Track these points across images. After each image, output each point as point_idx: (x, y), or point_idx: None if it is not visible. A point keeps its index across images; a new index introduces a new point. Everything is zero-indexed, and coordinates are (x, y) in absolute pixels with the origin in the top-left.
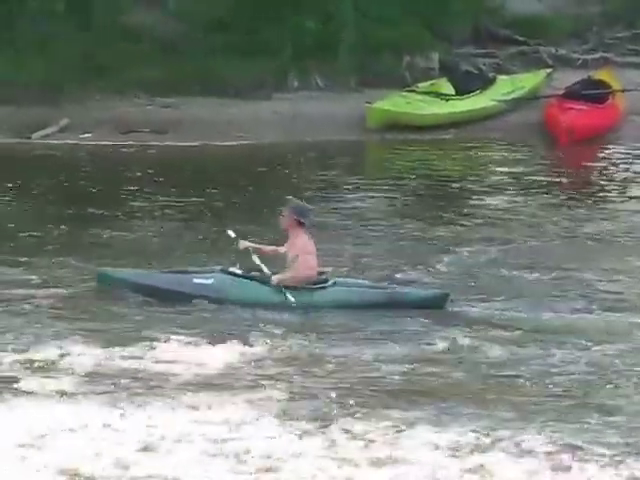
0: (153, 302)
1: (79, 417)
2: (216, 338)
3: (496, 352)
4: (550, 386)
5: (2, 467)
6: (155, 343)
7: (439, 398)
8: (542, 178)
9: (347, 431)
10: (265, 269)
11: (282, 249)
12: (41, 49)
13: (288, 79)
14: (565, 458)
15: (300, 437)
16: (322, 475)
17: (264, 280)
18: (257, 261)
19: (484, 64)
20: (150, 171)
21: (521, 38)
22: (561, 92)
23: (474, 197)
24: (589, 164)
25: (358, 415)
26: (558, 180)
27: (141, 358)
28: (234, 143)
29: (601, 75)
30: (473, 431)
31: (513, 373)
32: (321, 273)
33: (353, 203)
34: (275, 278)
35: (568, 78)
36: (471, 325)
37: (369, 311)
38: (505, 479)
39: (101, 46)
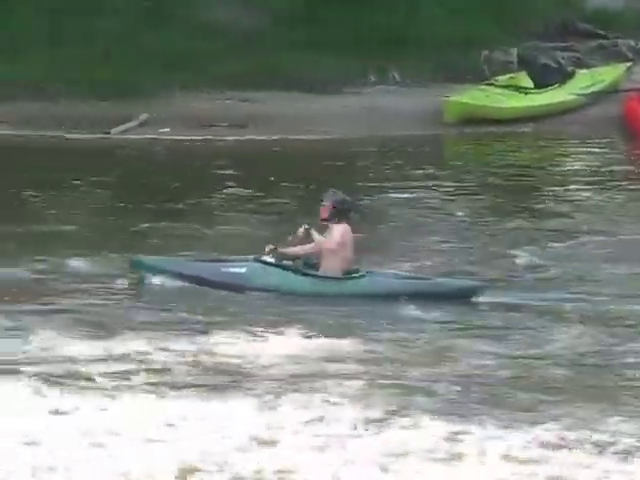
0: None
1: (184, 410)
2: (291, 329)
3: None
4: None
5: (126, 461)
6: (231, 335)
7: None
8: (622, 172)
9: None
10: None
11: (309, 247)
12: (120, 44)
13: (366, 74)
14: None
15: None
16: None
17: (297, 269)
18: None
19: (563, 58)
20: (229, 165)
21: (600, 32)
22: None
23: (553, 190)
24: None
25: (471, 410)
26: (638, 174)
27: (233, 349)
28: (312, 137)
29: None
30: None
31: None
32: (352, 265)
33: (430, 197)
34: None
35: None
36: (563, 317)
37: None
38: None
39: (180, 41)
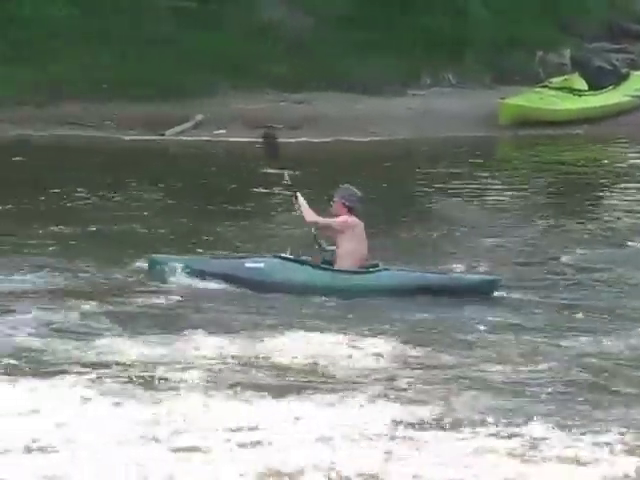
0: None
1: (262, 412)
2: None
3: None
4: None
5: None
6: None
7: None
8: None
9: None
10: (324, 244)
11: (321, 220)
12: (175, 46)
13: (420, 76)
14: None
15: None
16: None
17: (315, 264)
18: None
19: (617, 59)
20: (282, 166)
21: None
22: None
23: (606, 192)
24: None
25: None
26: None
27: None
28: (366, 139)
29: None
30: None
31: None
32: (368, 259)
33: (485, 198)
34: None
35: None
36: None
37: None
38: None
39: (235, 42)
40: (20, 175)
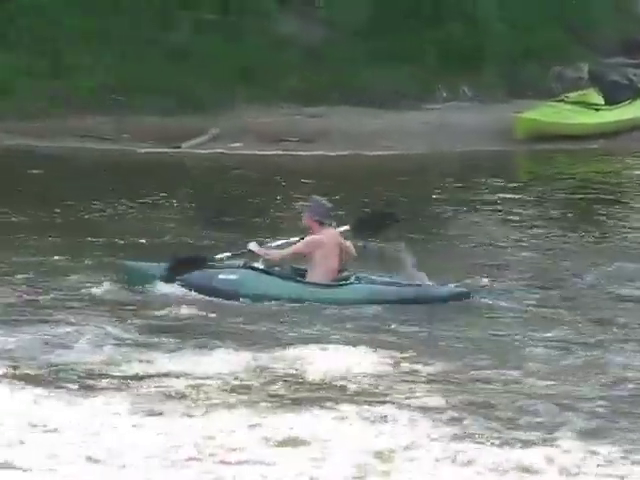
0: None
1: (302, 424)
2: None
3: None
4: None
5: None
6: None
7: None
8: None
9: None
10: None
11: (295, 248)
12: (191, 59)
13: (436, 89)
14: None
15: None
16: None
17: (287, 276)
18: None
19: (634, 74)
20: (299, 180)
21: None
22: None
23: (622, 207)
24: None
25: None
26: None
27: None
28: (382, 153)
29: None
30: None
31: None
32: (341, 271)
33: (501, 212)
34: (252, 245)
35: None
36: None
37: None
38: None
39: (250, 55)
40: (35, 187)
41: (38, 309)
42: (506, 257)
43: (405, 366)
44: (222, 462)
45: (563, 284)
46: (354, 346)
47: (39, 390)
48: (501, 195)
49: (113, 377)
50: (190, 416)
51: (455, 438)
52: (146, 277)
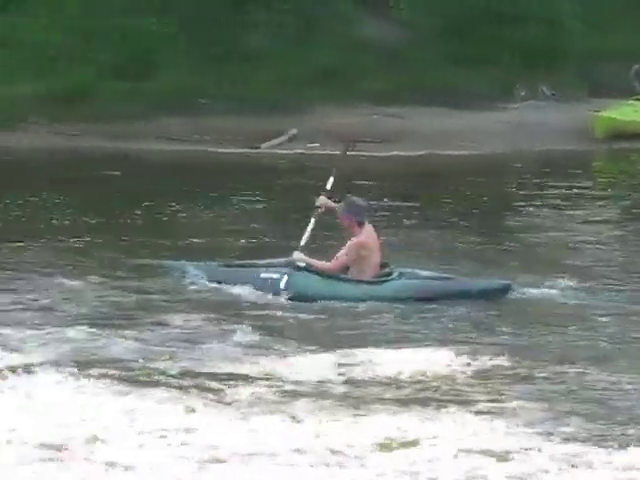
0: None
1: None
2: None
3: None
4: None
5: None
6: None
7: None
8: None
9: None
10: (302, 242)
11: (334, 267)
12: (270, 61)
13: (514, 89)
14: None
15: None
16: None
17: (330, 274)
18: (308, 229)
19: None
20: (376, 180)
21: None
22: None
23: None
24: None
25: None
26: None
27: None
28: (460, 153)
29: None
30: None
31: None
32: (384, 266)
33: (580, 211)
34: (297, 255)
35: None
36: None
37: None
38: None
39: (327, 57)
40: (113, 188)
41: (127, 311)
42: (587, 256)
43: (492, 364)
44: (325, 465)
45: (629, 284)
46: (433, 345)
47: (148, 394)
48: (580, 194)
49: (208, 378)
50: (294, 419)
51: (563, 438)
52: (191, 276)
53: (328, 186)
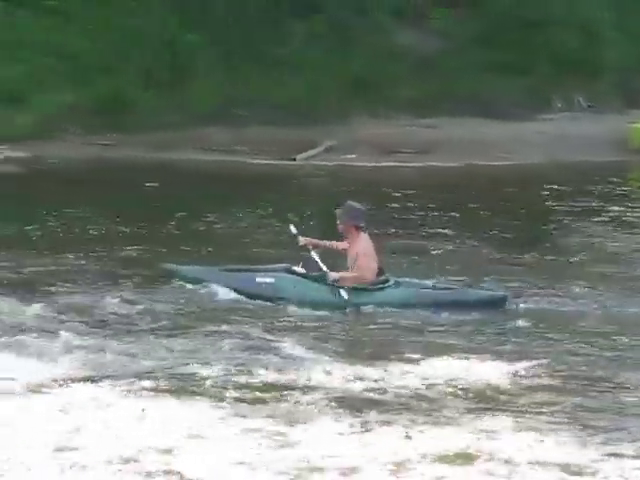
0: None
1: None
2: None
3: None
4: None
5: None
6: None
7: None
8: None
9: None
10: (324, 267)
11: (342, 244)
12: (303, 71)
13: (551, 99)
14: None
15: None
16: None
17: (325, 281)
18: (316, 258)
19: None
20: (415, 191)
21: None
22: None
23: None
24: None
25: None
26: None
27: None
28: (497, 163)
29: None
30: None
31: None
32: (381, 273)
33: (617, 222)
34: (332, 275)
35: None
36: None
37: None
38: None
39: (362, 67)
40: (151, 199)
41: (165, 320)
42: (626, 266)
43: (538, 374)
44: (396, 476)
45: None
46: (477, 355)
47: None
48: (617, 204)
49: (249, 387)
50: (363, 427)
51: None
52: (197, 280)
53: (293, 231)
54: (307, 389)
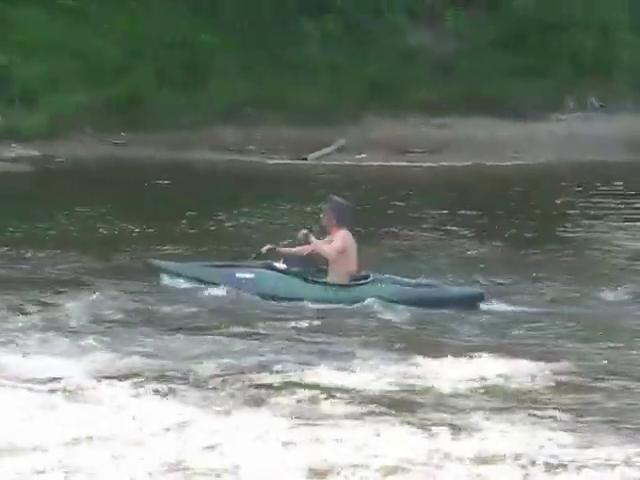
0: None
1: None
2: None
3: None
4: None
5: None
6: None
7: None
8: None
9: None
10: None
11: (308, 248)
12: (318, 72)
13: (564, 100)
14: None
15: None
16: None
17: (305, 277)
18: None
19: None
20: (426, 190)
21: None
22: None
23: None
24: None
25: None
26: None
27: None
28: (508, 163)
29: None
30: None
31: None
32: (359, 270)
33: (631, 222)
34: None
35: None
36: None
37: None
38: None
39: (377, 68)
40: (162, 197)
41: (180, 319)
42: (633, 268)
43: (569, 372)
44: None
45: None
46: (505, 354)
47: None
48: (630, 204)
49: (264, 387)
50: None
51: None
52: (179, 276)
53: (263, 250)
54: (306, 388)
